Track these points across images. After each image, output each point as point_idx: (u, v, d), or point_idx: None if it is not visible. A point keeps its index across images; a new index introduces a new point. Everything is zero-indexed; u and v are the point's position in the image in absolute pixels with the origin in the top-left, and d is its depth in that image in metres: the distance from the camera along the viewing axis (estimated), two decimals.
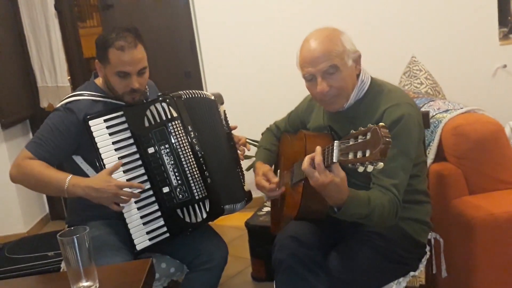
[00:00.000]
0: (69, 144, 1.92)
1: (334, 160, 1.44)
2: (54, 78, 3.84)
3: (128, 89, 1.90)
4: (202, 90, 3.90)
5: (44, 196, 4.11)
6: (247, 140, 3.34)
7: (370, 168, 1.34)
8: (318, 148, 1.52)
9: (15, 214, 3.75)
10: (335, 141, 1.45)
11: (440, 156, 2.17)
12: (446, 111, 2.23)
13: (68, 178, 1.83)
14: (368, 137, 1.33)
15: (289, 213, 1.90)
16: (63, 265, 2.06)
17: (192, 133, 1.96)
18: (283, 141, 2.18)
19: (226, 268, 2.11)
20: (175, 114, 1.95)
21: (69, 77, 3.94)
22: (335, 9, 3.68)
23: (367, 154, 1.32)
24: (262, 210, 2.88)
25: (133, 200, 1.87)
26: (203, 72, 3.85)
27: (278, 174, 2.10)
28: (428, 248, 1.93)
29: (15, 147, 3.72)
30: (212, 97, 2.12)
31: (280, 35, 3.69)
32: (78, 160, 1.96)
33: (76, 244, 1.29)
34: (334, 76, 1.73)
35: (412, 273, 1.86)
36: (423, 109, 2.23)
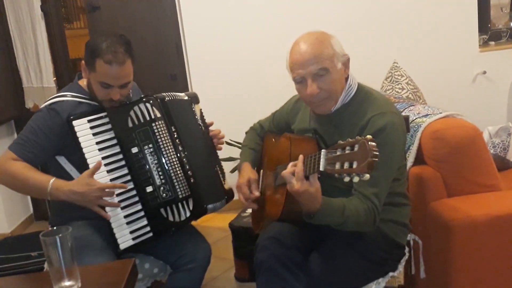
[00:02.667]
0: (53, 144, 1.93)
1: (320, 169, 1.46)
2: (40, 79, 3.82)
3: (107, 98, 1.92)
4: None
5: (28, 196, 4.09)
6: (231, 141, 3.38)
7: (356, 179, 1.37)
8: (301, 157, 1.56)
9: None
10: (322, 150, 1.47)
11: (419, 159, 2.21)
12: (426, 115, 2.27)
13: (51, 181, 1.84)
14: (355, 149, 1.36)
15: (271, 214, 1.92)
16: (46, 265, 2.07)
17: (175, 133, 1.98)
18: (267, 141, 2.19)
19: (210, 269, 2.13)
20: (158, 115, 1.97)
21: (54, 78, 3.93)
22: (318, 14, 3.71)
23: (354, 166, 1.35)
24: (246, 211, 2.90)
25: (116, 199, 1.88)
26: (189, 75, 3.86)
27: (261, 174, 2.12)
28: (407, 249, 1.96)
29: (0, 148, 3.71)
30: (186, 98, 2.14)
31: (265, 38, 3.72)
32: (62, 160, 1.97)
33: (59, 243, 1.29)
34: (324, 78, 1.75)
35: (391, 274, 1.89)
36: (403, 114, 2.27)
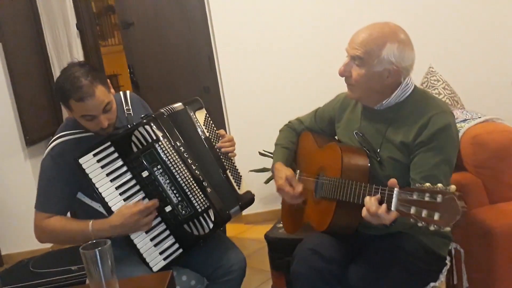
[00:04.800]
0: (70, 187, 1.96)
1: (392, 209, 1.44)
2: None
3: (98, 128, 1.91)
4: (221, 104, 3.94)
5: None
6: (264, 152, 3.37)
7: (432, 228, 1.34)
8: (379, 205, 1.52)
9: None
10: (395, 189, 1.45)
11: (459, 166, 2.15)
12: (464, 120, 2.22)
13: (90, 224, 1.88)
14: (438, 199, 1.32)
15: (313, 223, 1.89)
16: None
17: (181, 148, 1.94)
18: (304, 140, 2.14)
19: (247, 281, 2.12)
20: (160, 134, 1.92)
21: None
22: (351, 21, 3.68)
23: (436, 217, 1.31)
24: (281, 223, 2.88)
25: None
26: (222, 87, 3.89)
27: (297, 174, 2.09)
28: (448, 258, 1.91)
29: (39, 164, 3.78)
30: (182, 107, 2.09)
31: (298, 50, 3.71)
32: (81, 197, 2.00)
33: (98, 257, 1.31)
34: (357, 68, 1.76)
35: (432, 284, 1.84)
36: None
